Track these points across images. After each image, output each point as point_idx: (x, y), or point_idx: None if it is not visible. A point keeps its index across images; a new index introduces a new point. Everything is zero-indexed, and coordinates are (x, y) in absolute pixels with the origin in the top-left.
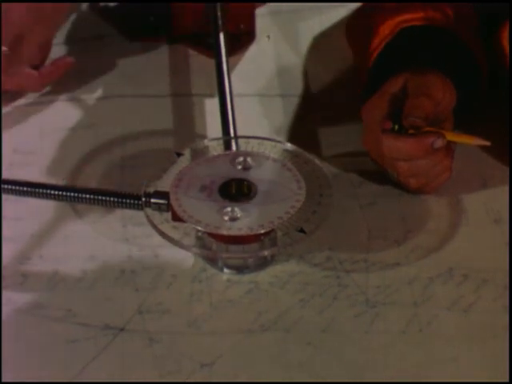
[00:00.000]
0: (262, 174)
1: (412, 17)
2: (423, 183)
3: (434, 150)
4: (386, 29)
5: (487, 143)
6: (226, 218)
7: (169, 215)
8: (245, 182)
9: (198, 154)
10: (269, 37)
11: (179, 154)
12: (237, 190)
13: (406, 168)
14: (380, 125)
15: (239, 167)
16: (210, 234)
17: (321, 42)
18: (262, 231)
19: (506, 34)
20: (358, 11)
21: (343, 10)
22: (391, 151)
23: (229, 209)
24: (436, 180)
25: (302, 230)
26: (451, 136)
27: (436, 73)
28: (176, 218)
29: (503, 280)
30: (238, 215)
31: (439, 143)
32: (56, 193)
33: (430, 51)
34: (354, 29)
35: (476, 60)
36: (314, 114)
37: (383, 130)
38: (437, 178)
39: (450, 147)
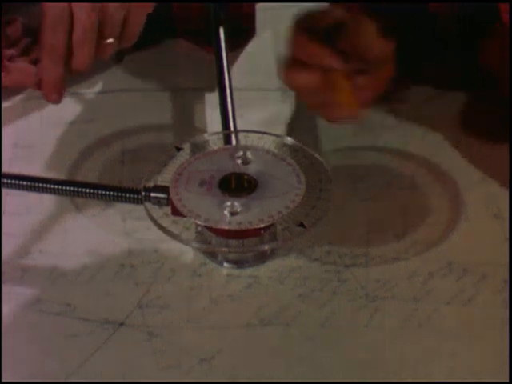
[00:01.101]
0: (261, 169)
1: None
2: (319, 105)
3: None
4: None
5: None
6: (226, 212)
7: (168, 209)
8: (244, 177)
9: (198, 148)
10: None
11: (179, 149)
12: (236, 185)
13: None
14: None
15: (239, 161)
16: (210, 229)
17: None
18: (262, 225)
19: (487, 53)
20: None
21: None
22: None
23: (228, 203)
24: (336, 109)
25: (301, 225)
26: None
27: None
28: (175, 212)
29: (503, 274)
30: (238, 209)
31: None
32: (56, 187)
33: None
34: None
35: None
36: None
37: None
38: (337, 107)
39: (366, 88)
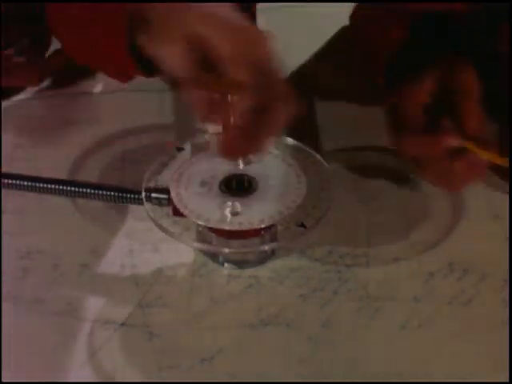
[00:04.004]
0: (262, 169)
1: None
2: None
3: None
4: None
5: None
6: (227, 212)
7: (169, 210)
8: (245, 177)
9: (199, 148)
10: None
11: (180, 149)
12: (237, 185)
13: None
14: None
15: (240, 162)
16: (211, 229)
17: (321, 36)
18: (263, 226)
19: None
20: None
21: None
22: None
23: (229, 203)
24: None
25: (302, 225)
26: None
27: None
28: (176, 212)
29: (503, 274)
30: (239, 210)
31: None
32: (56, 187)
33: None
34: (368, 14)
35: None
36: (315, 108)
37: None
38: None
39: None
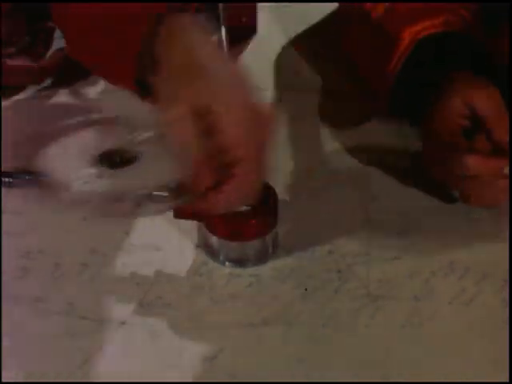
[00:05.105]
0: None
1: (430, 24)
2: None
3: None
4: (406, 38)
5: None
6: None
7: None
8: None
9: None
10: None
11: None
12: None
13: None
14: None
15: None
16: (210, 229)
17: (322, 35)
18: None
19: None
20: (352, 19)
21: None
22: (461, 168)
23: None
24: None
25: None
26: None
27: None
28: (178, 214)
29: (503, 274)
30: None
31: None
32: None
33: (458, 59)
34: (360, 39)
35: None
36: (315, 108)
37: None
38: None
39: None
